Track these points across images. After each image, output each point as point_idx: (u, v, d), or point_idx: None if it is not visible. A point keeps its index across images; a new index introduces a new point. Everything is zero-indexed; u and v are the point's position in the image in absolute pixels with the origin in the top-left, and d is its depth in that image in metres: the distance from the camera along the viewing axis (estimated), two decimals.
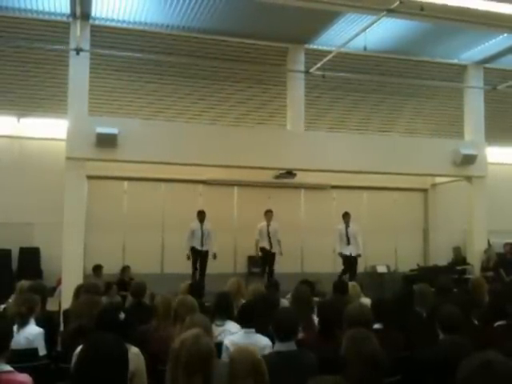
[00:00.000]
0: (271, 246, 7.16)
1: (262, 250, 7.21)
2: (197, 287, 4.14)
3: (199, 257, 6.99)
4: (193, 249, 6.98)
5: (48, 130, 7.39)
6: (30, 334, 2.88)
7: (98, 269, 6.76)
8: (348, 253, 7.21)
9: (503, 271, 7.59)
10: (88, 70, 6.89)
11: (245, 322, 2.83)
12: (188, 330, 2.00)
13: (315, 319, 3.14)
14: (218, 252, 7.03)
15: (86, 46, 6.77)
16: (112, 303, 3.50)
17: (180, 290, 3.99)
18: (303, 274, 7.14)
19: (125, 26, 7.31)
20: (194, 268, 6.94)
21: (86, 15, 6.77)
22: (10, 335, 2.19)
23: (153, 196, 7.87)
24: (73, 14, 6.86)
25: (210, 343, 1.77)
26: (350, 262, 7.17)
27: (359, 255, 7.27)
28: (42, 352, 2.82)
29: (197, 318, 2.41)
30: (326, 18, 6.94)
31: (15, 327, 2.90)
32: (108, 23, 7.24)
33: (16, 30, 7.11)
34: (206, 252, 7.00)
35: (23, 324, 2.94)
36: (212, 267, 7.05)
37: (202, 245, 6.97)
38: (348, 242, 7.21)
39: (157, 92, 7.78)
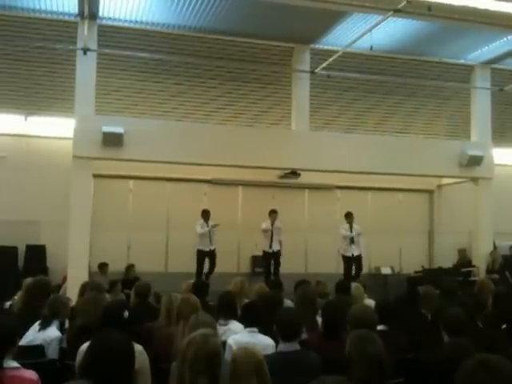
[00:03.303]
0: (271, 246, 7.13)
1: (264, 252, 7.20)
2: (201, 286, 4.15)
3: (207, 257, 6.98)
4: (199, 251, 6.98)
5: (55, 128, 7.44)
6: (49, 336, 2.89)
7: (103, 266, 6.81)
8: (350, 254, 7.18)
9: (509, 273, 7.53)
10: (95, 69, 6.93)
11: (248, 321, 2.84)
12: (193, 329, 2.01)
13: (319, 320, 3.14)
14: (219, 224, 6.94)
15: (94, 45, 6.81)
16: (116, 301, 3.52)
17: (182, 289, 4.00)
18: (307, 274, 7.13)
19: (132, 25, 7.34)
20: (199, 270, 6.90)
21: (93, 15, 6.81)
22: (17, 332, 2.21)
23: (158, 195, 7.90)
24: (80, 14, 6.90)
25: (218, 343, 1.78)
26: (352, 262, 7.14)
27: (361, 255, 7.23)
28: (53, 356, 2.82)
29: (202, 317, 2.42)
30: (332, 18, 6.91)
31: (38, 327, 2.95)
32: (115, 23, 7.27)
33: (24, 30, 7.17)
34: (214, 250, 7.00)
35: (45, 325, 2.96)
36: (216, 267, 7.06)
37: (209, 244, 6.97)
38: (352, 242, 7.18)
39: (163, 92, 7.81)
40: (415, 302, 3.68)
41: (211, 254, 6.99)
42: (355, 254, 7.18)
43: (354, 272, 7.11)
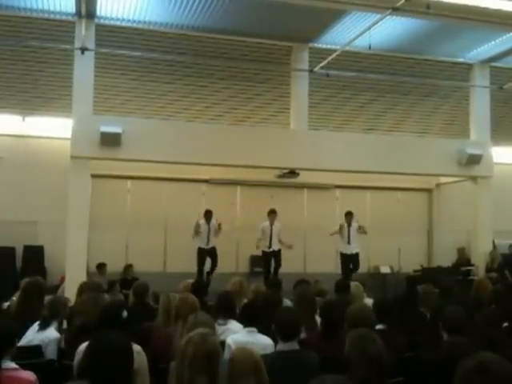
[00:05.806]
0: (270, 246, 7.11)
1: (263, 253, 7.21)
2: (200, 286, 4.14)
3: (206, 255, 6.97)
4: (199, 249, 6.98)
5: (53, 128, 7.41)
6: (47, 337, 2.90)
7: (101, 267, 6.79)
8: (349, 252, 7.17)
9: (508, 272, 7.53)
10: (93, 69, 6.91)
11: (247, 321, 2.83)
12: (192, 329, 2.00)
13: (317, 319, 3.13)
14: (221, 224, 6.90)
15: (91, 45, 6.79)
16: (115, 301, 3.51)
17: (180, 288, 3.99)
18: (306, 273, 7.12)
19: (130, 25, 7.32)
20: (200, 269, 6.90)
21: (91, 14, 6.79)
22: (15, 332, 2.19)
23: (156, 195, 7.89)
24: (78, 13, 6.89)
25: (217, 343, 1.78)
26: (350, 260, 7.13)
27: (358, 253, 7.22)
28: (52, 357, 2.81)
29: (200, 317, 2.41)
30: (331, 17, 6.91)
31: (37, 327, 2.94)
32: (113, 22, 7.26)
33: (21, 29, 7.14)
34: (213, 248, 6.98)
35: (45, 326, 2.96)
36: (217, 265, 7.04)
37: (207, 243, 6.97)
38: (349, 241, 7.17)
39: (161, 91, 7.79)
40: (414, 301, 3.68)
41: (212, 252, 6.98)
42: (354, 252, 7.14)
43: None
